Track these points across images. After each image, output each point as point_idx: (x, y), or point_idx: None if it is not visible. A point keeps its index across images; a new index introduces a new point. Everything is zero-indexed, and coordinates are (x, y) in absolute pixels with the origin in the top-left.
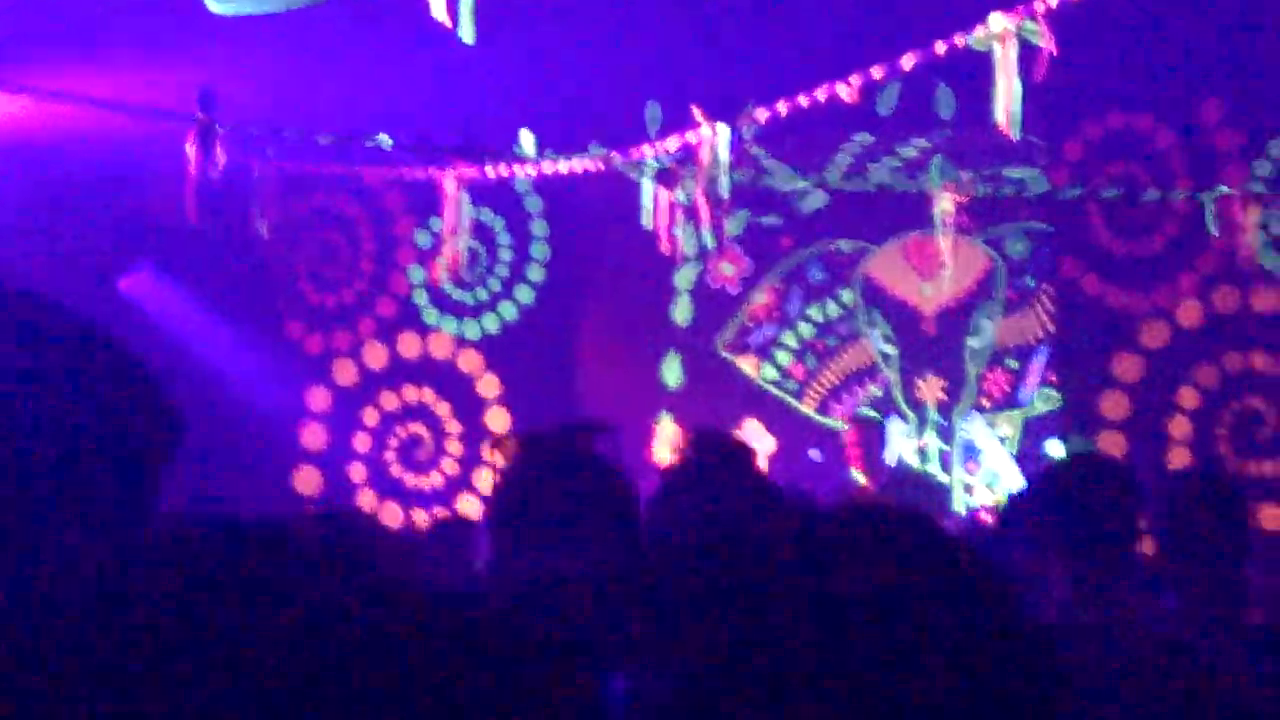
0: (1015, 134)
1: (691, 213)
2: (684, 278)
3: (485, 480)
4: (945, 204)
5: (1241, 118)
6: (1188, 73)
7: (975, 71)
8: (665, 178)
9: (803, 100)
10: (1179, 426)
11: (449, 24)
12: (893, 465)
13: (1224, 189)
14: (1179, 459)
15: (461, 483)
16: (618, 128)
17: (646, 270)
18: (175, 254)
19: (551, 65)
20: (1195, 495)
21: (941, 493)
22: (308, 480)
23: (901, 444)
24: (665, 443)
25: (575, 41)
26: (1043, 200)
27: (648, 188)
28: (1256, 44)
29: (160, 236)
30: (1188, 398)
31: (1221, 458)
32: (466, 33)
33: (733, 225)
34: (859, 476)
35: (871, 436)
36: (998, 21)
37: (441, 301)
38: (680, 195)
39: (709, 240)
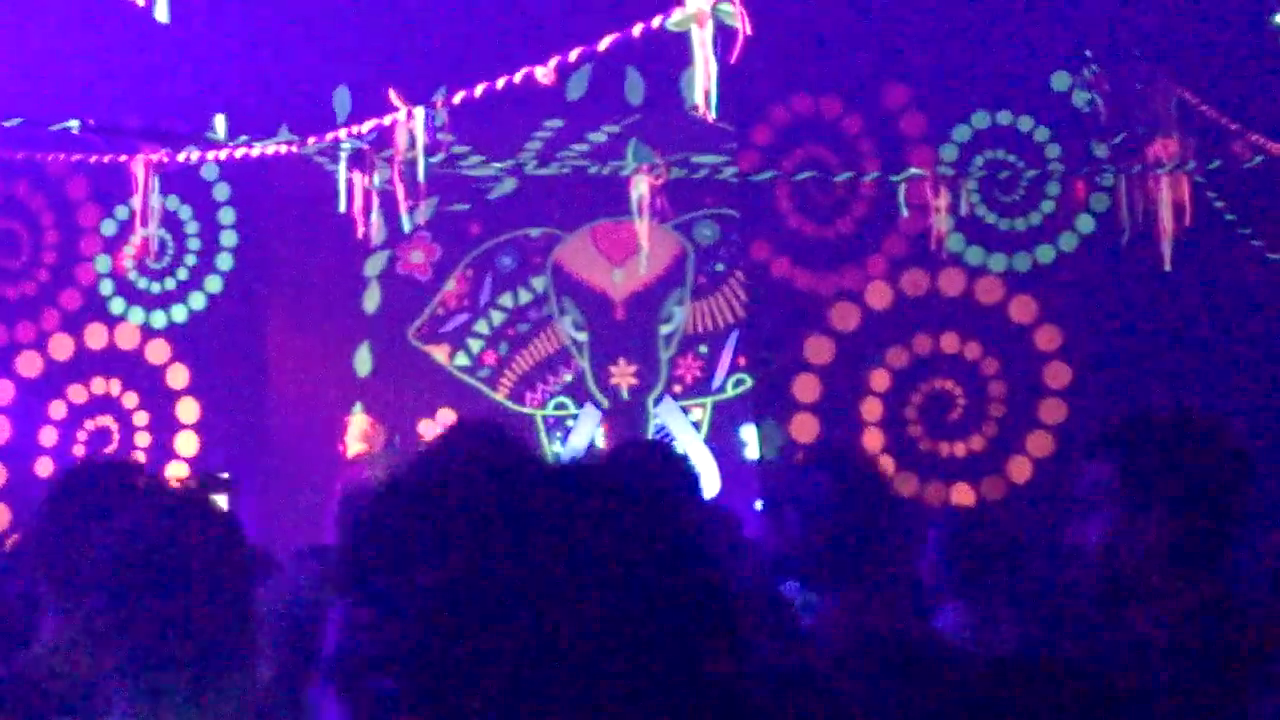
0: (712, 115)
1: (385, 199)
2: (374, 265)
3: (175, 471)
4: (642, 188)
5: (927, 102)
6: (874, 57)
7: (663, 55)
8: (359, 163)
9: (499, 83)
10: (871, 409)
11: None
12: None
13: (914, 171)
14: (872, 441)
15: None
16: (310, 113)
17: (337, 258)
18: None
19: (242, 47)
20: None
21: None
22: None
23: (595, 430)
24: (356, 434)
25: (267, 23)
26: (731, 185)
27: (342, 173)
28: (941, 30)
29: None
30: (879, 380)
31: (914, 439)
32: (161, 11)
33: (423, 212)
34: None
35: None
36: (695, 2)
37: (128, 291)
38: (374, 181)
39: (408, 225)
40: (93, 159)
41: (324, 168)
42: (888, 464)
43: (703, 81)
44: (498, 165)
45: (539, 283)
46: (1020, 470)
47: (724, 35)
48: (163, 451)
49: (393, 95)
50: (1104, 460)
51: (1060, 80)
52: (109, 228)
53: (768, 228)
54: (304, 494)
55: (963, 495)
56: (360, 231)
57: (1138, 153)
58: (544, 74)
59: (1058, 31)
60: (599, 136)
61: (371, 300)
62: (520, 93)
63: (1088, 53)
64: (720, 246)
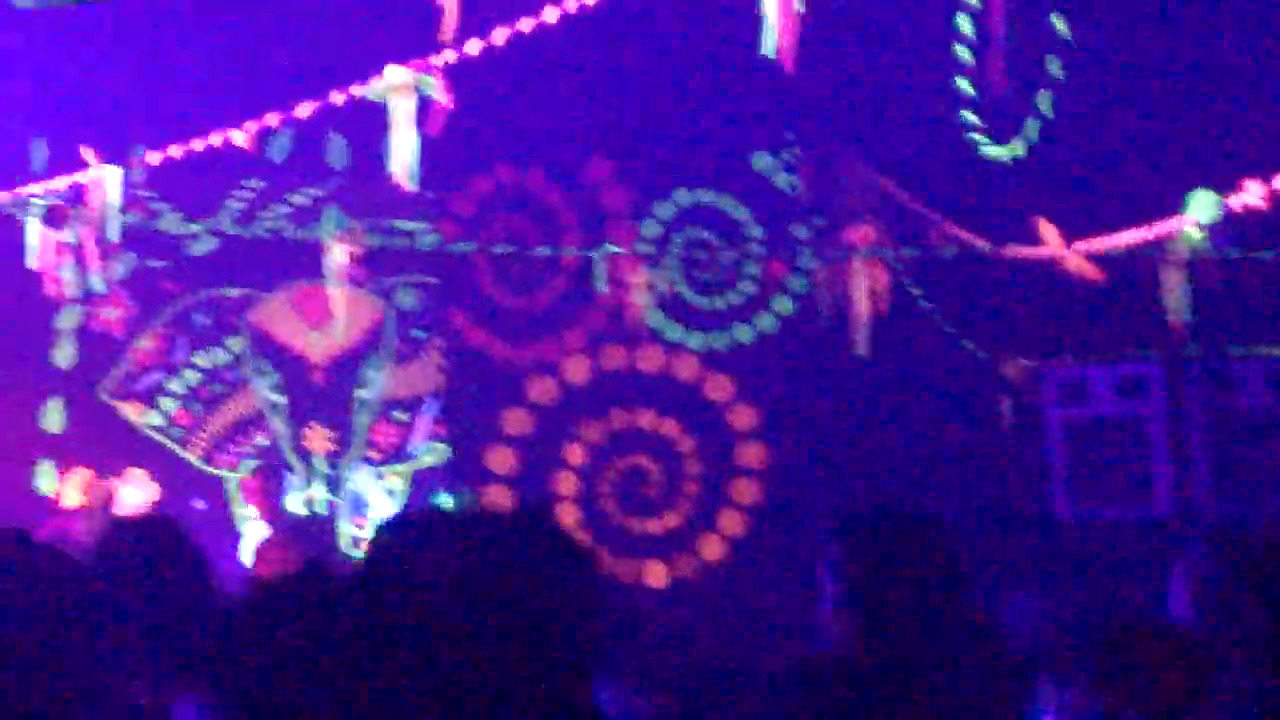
0: (412, 186)
1: (78, 254)
2: (67, 320)
3: None
4: (338, 254)
5: (628, 178)
6: (577, 131)
7: (371, 122)
8: (53, 218)
9: (196, 145)
10: (566, 482)
11: None
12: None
13: (612, 247)
14: (567, 516)
15: None
16: (4, 164)
17: (28, 311)
18: None
19: None
20: None
21: (333, 540)
22: None
23: (289, 494)
24: (75, 486)
25: None
26: (433, 253)
27: (34, 227)
28: (646, 105)
29: None
30: (574, 454)
31: (608, 515)
32: None
33: (119, 268)
34: (258, 523)
35: (272, 483)
36: (395, 74)
37: None
38: (68, 236)
39: (98, 284)
40: None
41: (16, 219)
42: (583, 539)
43: (400, 152)
44: (196, 225)
45: (235, 343)
46: (713, 549)
47: (428, 105)
48: None
49: (87, 152)
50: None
51: (762, 161)
52: None
53: (467, 297)
54: None
55: (656, 572)
56: (51, 288)
57: (837, 237)
58: (242, 138)
59: (761, 112)
60: (301, 199)
61: (64, 355)
62: (221, 151)
63: (790, 135)
64: (420, 313)
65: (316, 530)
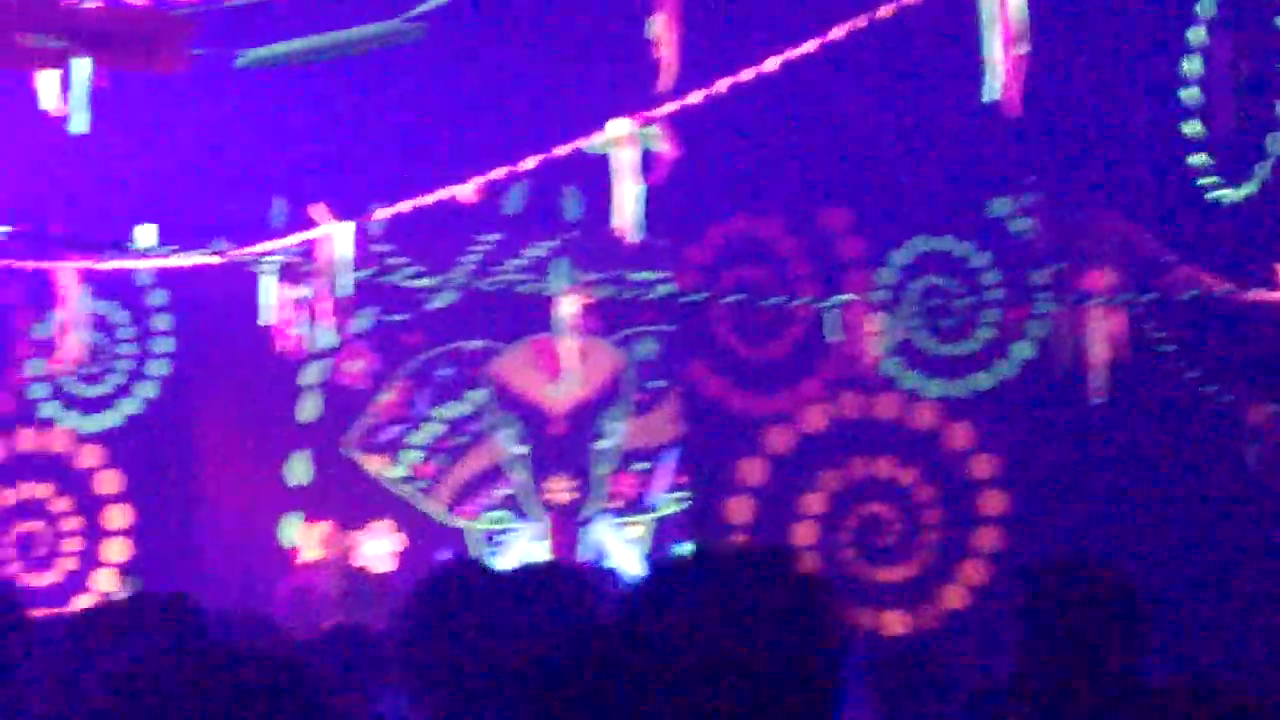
0: (635, 237)
1: (312, 309)
2: (311, 374)
3: (104, 579)
4: (568, 306)
5: (865, 227)
6: (813, 179)
7: (605, 173)
8: (288, 274)
9: (428, 200)
10: (804, 532)
11: (60, 112)
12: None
13: (847, 295)
14: (805, 565)
15: (78, 581)
16: (241, 223)
17: (273, 366)
18: None
19: (172, 156)
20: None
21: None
22: None
23: (530, 546)
24: (314, 540)
25: (195, 131)
26: (671, 302)
27: (269, 284)
28: (882, 153)
29: None
30: (812, 503)
31: (846, 563)
32: (78, 122)
33: (360, 321)
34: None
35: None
36: (616, 126)
37: (61, 395)
38: (303, 291)
39: (331, 338)
40: (16, 265)
41: (260, 276)
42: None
43: (624, 203)
44: (432, 279)
45: (477, 395)
46: (955, 598)
47: (654, 157)
48: (91, 557)
49: (318, 209)
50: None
51: (1000, 206)
52: (42, 331)
53: (704, 347)
54: (233, 599)
55: (895, 622)
56: (282, 344)
57: (1075, 281)
58: (467, 192)
59: (998, 157)
60: (537, 251)
61: (307, 409)
62: (458, 205)
63: (1027, 180)
64: (659, 363)
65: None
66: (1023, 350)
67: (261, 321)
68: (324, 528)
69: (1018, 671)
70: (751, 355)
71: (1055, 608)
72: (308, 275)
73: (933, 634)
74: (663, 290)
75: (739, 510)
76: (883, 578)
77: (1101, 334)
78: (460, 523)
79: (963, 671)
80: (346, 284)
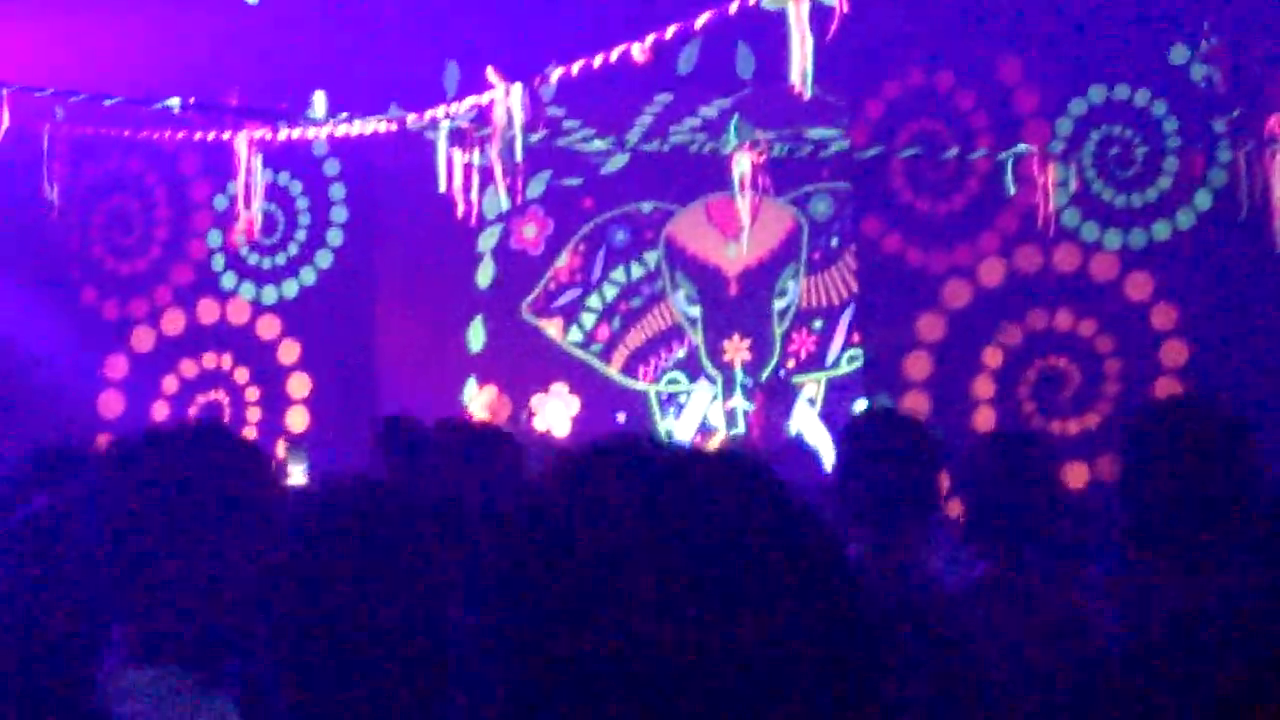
0: (808, 93)
1: (488, 175)
2: (486, 240)
3: (285, 449)
4: (744, 165)
5: (1042, 77)
6: (988, 31)
7: (777, 30)
8: (460, 139)
9: (597, 61)
10: (983, 386)
11: None
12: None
13: (1024, 147)
14: (983, 419)
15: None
16: (414, 88)
17: (448, 233)
18: None
19: (345, 23)
20: (998, 455)
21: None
22: None
23: (708, 406)
24: (481, 406)
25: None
26: (844, 160)
27: (441, 149)
28: (1056, 2)
29: None
30: (991, 357)
31: (1026, 417)
32: None
33: (534, 187)
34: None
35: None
36: None
37: (239, 266)
38: (477, 157)
39: (505, 203)
40: (196, 136)
41: (434, 143)
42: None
43: (799, 59)
44: (604, 141)
45: (652, 257)
46: None
47: (830, 11)
48: (273, 426)
49: (490, 72)
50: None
51: (1179, 53)
52: (220, 203)
53: (880, 203)
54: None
55: (1077, 474)
56: (460, 210)
57: (1257, 128)
58: (640, 51)
59: (1177, 3)
60: (710, 111)
61: (484, 275)
62: (630, 67)
63: (1207, 25)
64: (834, 221)
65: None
66: (1203, 199)
67: (437, 188)
68: (490, 392)
69: (1134, 511)
70: (928, 210)
71: (1164, 442)
72: (481, 140)
73: (1112, 486)
74: (837, 147)
75: (917, 367)
76: (1064, 430)
77: None
78: (638, 385)
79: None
80: (519, 149)
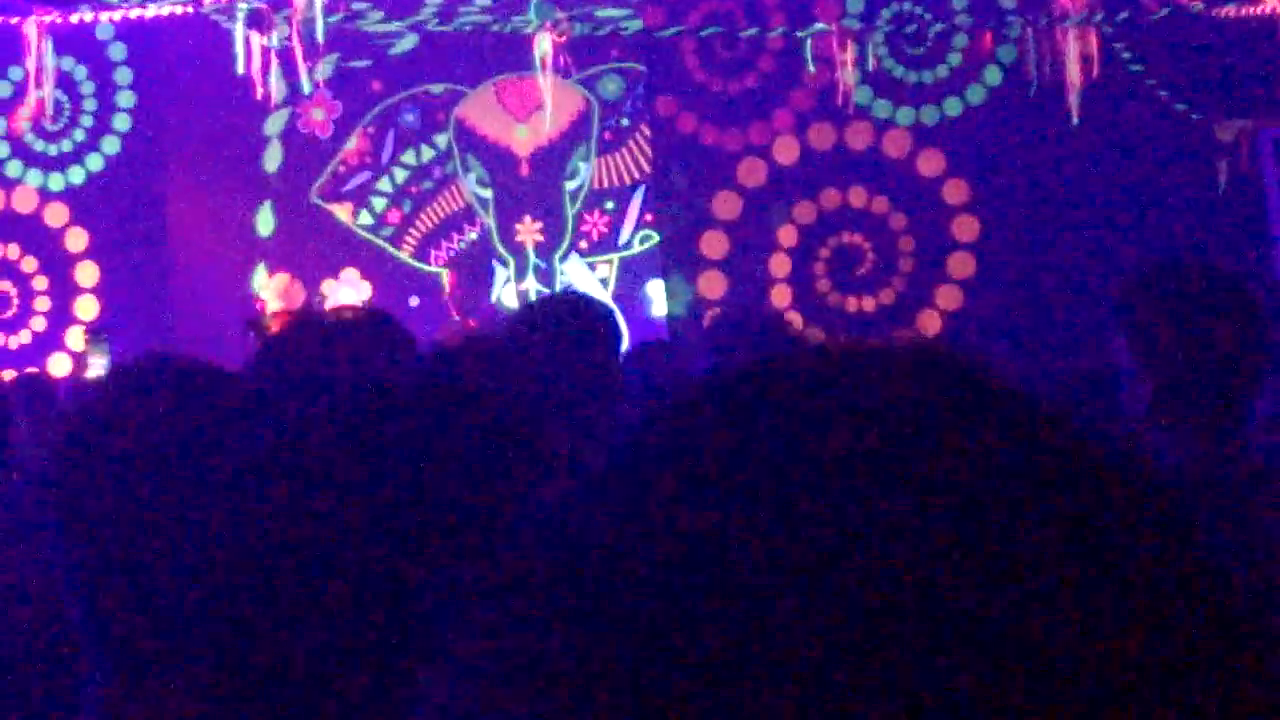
0: None
1: (285, 57)
2: (274, 124)
3: (75, 338)
4: (545, 45)
5: None
6: None
7: None
8: (257, 22)
9: None
10: (779, 264)
11: None
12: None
13: (820, 26)
14: (780, 297)
15: (51, 341)
16: None
17: (236, 118)
18: None
19: None
20: None
21: None
22: None
23: (502, 288)
24: (274, 291)
25: None
26: (637, 40)
27: (239, 33)
28: None
29: None
30: (786, 235)
31: (822, 294)
32: None
33: (322, 69)
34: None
35: (474, 280)
36: None
37: (24, 153)
38: (273, 40)
39: (306, 85)
40: None
41: (222, 26)
42: (796, 319)
43: None
44: (398, 23)
45: (442, 139)
46: (930, 324)
47: None
48: (62, 316)
49: None
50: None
51: None
52: (3, 89)
53: (674, 83)
54: (205, 351)
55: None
56: (259, 92)
57: (1045, 5)
58: None
59: None
60: None
61: (272, 159)
62: None
63: None
64: (626, 101)
65: None
66: (993, 75)
67: (236, 71)
68: (281, 279)
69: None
70: (722, 89)
71: (1171, 309)
72: (278, 23)
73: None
74: (633, 27)
75: (713, 245)
76: (859, 307)
77: (1074, 56)
78: (430, 268)
79: None
80: (319, 30)
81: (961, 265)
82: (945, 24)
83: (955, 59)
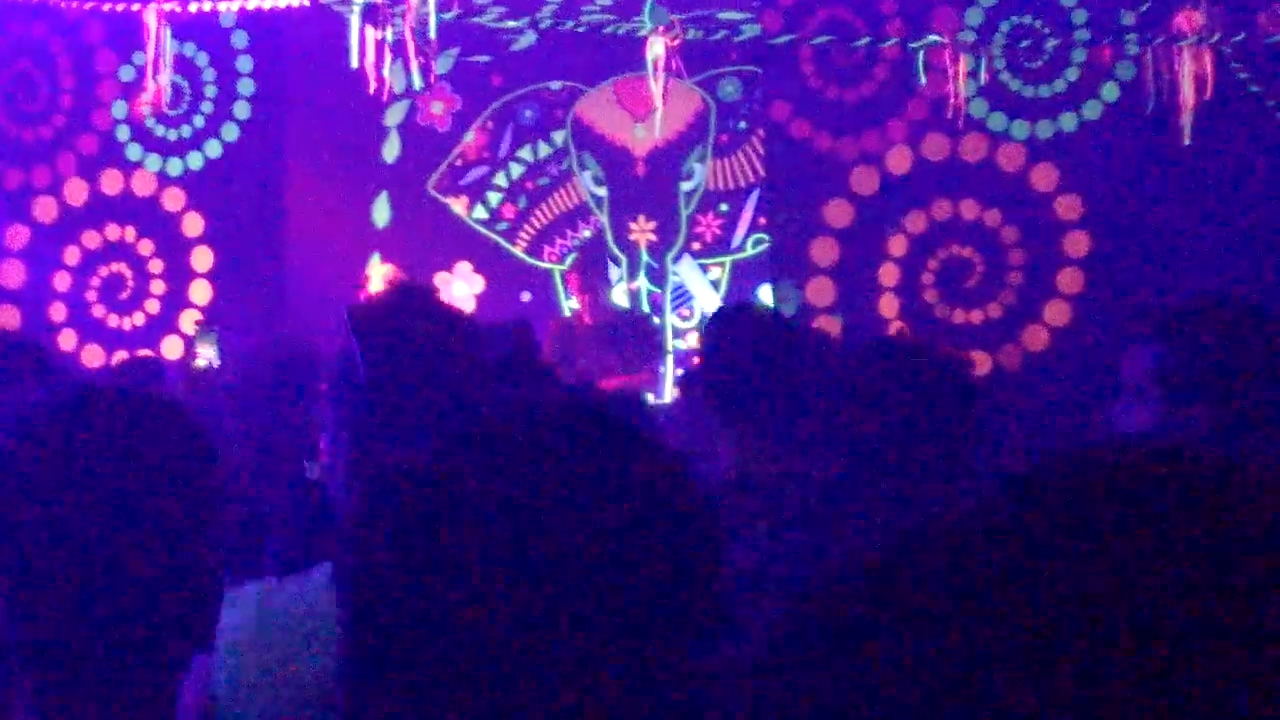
0: None
1: (399, 50)
2: (394, 116)
3: (188, 321)
4: (658, 48)
5: None
6: None
7: None
8: (373, 15)
9: None
10: (887, 273)
11: None
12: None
13: (934, 37)
14: (887, 306)
15: (164, 323)
16: None
17: (356, 109)
18: None
19: None
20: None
21: (656, 335)
22: (6, 319)
23: (613, 286)
24: (379, 281)
25: None
26: (755, 44)
27: (355, 25)
28: None
29: None
30: (896, 245)
31: (929, 305)
32: None
33: (442, 63)
34: (581, 316)
35: (595, 275)
36: None
37: (145, 138)
38: (389, 33)
39: (419, 80)
40: (105, 6)
41: (344, 17)
42: (903, 329)
43: None
44: (515, 22)
45: (559, 136)
46: (1036, 339)
47: None
48: (177, 299)
49: None
50: (1148, 346)
51: None
52: (126, 73)
53: (789, 88)
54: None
55: (979, 363)
56: (372, 85)
57: (1164, 22)
58: None
59: None
60: None
61: (390, 150)
62: None
63: None
64: (742, 104)
65: (628, 326)
66: (1110, 91)
67: (345, 63)
68: (388, 269)
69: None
70: (837, 97)
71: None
72: (395, 16)
73: (1013, 373)
74: (749, 31)
75: (823, 252)
76: (966, 319)
77: (1190, 75)
78: (543, 264)
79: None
80: (433, 25)
81: (1071, 281)
82: (1063, 38)
83: (1073, 74)
